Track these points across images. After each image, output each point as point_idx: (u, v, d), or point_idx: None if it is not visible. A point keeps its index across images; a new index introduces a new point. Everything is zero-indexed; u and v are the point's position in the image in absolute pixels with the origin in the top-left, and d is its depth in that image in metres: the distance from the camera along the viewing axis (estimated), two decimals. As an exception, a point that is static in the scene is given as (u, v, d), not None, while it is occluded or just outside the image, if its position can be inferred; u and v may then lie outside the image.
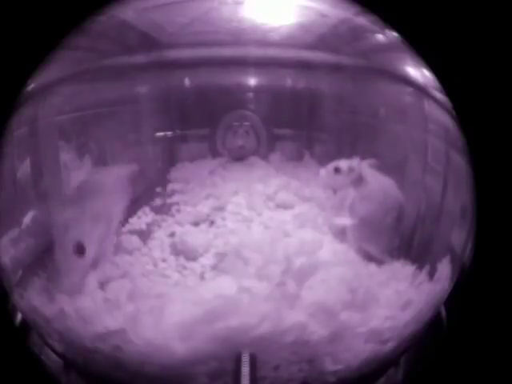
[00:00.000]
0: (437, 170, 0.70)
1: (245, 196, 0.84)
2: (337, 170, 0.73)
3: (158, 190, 0.89)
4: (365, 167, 0.72)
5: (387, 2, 0.76)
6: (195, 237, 0.74)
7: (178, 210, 0.83)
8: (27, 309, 0.63)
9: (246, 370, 0.53)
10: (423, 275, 0.65)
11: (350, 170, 0.72)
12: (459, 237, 0.68)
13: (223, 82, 0.85)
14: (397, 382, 0.66)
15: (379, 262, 0.68)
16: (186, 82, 0.87)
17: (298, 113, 0.90)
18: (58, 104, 0.74)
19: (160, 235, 0.77)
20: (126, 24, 0.75)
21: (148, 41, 0.76)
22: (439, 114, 0.72)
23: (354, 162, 0.73)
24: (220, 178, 0.90)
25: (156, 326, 0.56)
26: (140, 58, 0.79)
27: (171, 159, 0.91)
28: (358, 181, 0.72)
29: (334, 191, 0.78)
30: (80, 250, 0.62)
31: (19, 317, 0.66)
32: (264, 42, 0.76)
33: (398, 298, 0.62)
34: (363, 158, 0.73)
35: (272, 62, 0.82)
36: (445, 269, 0.66)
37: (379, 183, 0.72)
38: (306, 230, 0.74)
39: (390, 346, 0.60)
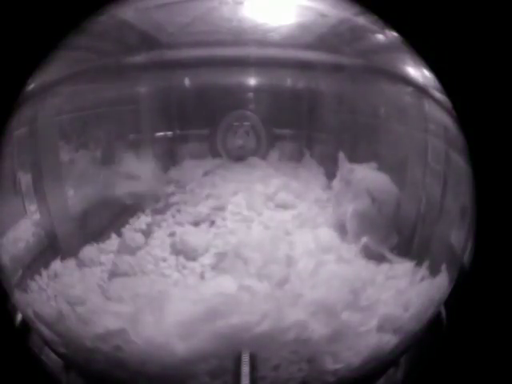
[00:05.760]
0: (437, 169, 0.71)
1: (245, 196, 0.84)
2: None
3: (158, 190, 0.89)
4: (356, 165, 0.73)
5: (387, 2, 0.76)
6: (195, 237, 0.74)
7: (178, 210, 0.83)
8: (27, 309, 0.63)
9: (246, 369, 0.53)
10: (423, 275, 0.65)
11: (343, 168, 0.73)
12: (459, 237, 0.68)
13: (223, 82, 0.85)
14: (397, 382, 0.66)
15: (380, 262, 0.68)
16: (186, 81, 0.87)
17: (298, 113, 0.90)
18: (58, 104, 0.74)
19: (160, 235, 0.77)
20: (126, 24, 0.75)
21: (148, 41, 0.76)
22: (439, 114, 0.72)
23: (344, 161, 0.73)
24: (220, 178, 0.90)
25: (156, 326, 0.56)
26: (140, 58, 0.79)
27: (171, 159, 0.91)
28: (353, 178, 0.73)
29: (332, 191, 0.78)
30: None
31: (19, 317, 0.66)
32: (264, 42, 0.76)
33: (398, 298, 0.63)
34: (362, 157, 0.74)
35: (272, 62, 0.82)
36: (445, 269, 0.66)
37: (373, 179, 0.73)
38: (305, 230, 0.74)
39: (390, 345, 0.60)
